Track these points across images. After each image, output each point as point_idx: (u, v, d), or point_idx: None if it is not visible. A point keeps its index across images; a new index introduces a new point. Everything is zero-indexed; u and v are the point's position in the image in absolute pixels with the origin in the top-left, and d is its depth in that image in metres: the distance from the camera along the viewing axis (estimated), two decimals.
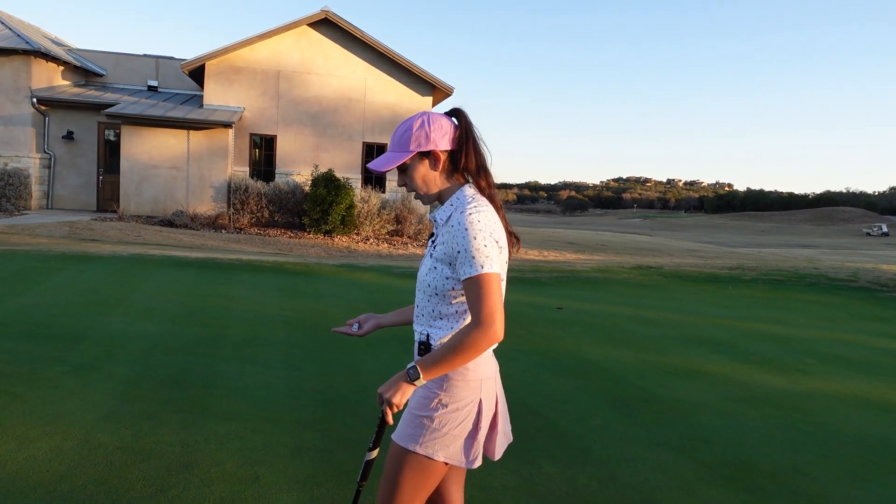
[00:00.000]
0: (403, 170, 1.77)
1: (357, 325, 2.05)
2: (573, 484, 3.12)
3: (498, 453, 1.81)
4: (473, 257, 1.60)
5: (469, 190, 1.74)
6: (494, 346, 1.74)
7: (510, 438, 1.89)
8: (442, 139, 1.73)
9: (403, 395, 1.64)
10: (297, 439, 3.43)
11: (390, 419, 1.68)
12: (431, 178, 1.76)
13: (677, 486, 3.17)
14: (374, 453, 1.78)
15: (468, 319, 1.71)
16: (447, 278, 1.69)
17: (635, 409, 4.35)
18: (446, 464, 1.71)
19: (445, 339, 1.72)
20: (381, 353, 5.40)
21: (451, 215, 1.70)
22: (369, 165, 1.74)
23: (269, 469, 3.06)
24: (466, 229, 1.62)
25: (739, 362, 5.87)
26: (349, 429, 3.63)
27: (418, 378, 1.62)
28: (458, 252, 1.63)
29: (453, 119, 1.79)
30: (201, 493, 2.77)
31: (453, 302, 1.71)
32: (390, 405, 1.65)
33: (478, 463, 1.74)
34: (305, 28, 18.20)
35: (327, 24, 18.20)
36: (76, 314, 6.00)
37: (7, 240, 11.37)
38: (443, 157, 1.74)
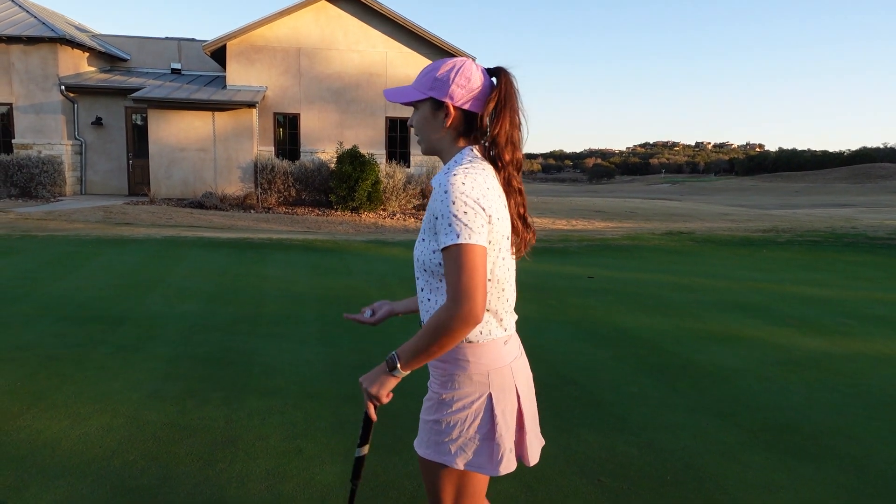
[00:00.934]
0: (416, 108, 1.59)
1: (370, 312, 1.90)
2: (613, 451, 3.13)
3: (533, 457, 1.61)
4: (450, 224, 1.38)
5: (470, 153, 1.53)
6: (506, 334, 1.55)
7: (542, 441, 1.69)
8: (464, 96, 1.51)
9: (383, 386, 1.47)
10: (337, 413, 3.49)
11: (373, 414, 1.53)
12: (434, 131, 1.56)
13: (718, 452, 3.15)
14: (364, 449, 1.65)
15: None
16: (434, 252, 1.47)
17: (672, 375, 4.32)
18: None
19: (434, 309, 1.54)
20: (414, 327, 5.43)
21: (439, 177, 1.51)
22: (385, 91, 1.60)
23: (311, 442, 3.12)
24: (447, 191, 1.41)
25: (777, 326, 5.78)
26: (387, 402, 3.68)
27: (396, 368, 1.44)
28: (437, 218, 1.42)
29: (493, 78, 1.56)
30: (247, 467, 2.85)
31: (443, 280, 1.48)
32: (371, 398, 1.49)
33: (506, 468, 1.52)
34: (324, 3, 18.05)
35: None
36: (116, 297, 6.16)
37: (45, 226, 11.67)
38: (454, 114, 1.52)
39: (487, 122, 1.54)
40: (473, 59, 16.62)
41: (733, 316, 6.17)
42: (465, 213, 1.39)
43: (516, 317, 1.64)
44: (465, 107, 1.52)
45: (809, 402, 3.86)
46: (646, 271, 8.91)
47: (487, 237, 1.45)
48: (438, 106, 1.54)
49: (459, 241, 1.38)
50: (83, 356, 4.32)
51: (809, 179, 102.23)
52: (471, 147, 1.55)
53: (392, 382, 1.48)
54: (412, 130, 1.59)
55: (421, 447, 1.58)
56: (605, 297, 6.97)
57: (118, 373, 4.02)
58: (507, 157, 1.53)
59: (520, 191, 1.59)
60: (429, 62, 18.46)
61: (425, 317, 1.56)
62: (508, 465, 1.53)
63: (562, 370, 4.32)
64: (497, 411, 1.50)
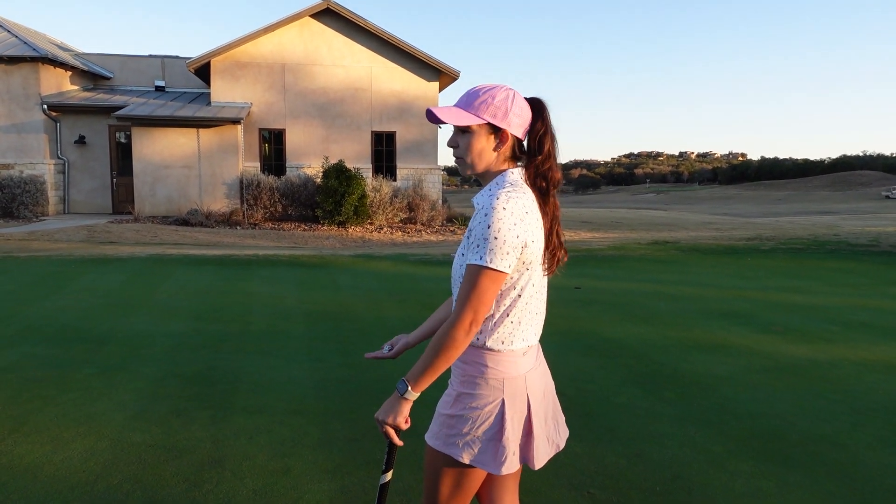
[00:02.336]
0: (463, 131, 1.63)
1: (388, 347, 1.97)
2: (601, 463, 3.13)
3: (539, 461, 1.69)
4: (479, 245, 1.50)
5: (512, 175, 1.62)
6: (532, 344, 1.66)
7: (559, 447, 1.78)
8: (518, 124, 1.62)
9: (399, 413, 1.57)
10: (325, 430, 3.47)
11: (396, 440, 1.61)
12: (488, 155, 1.63)
13: (706, 461, 3.16)
14: (388, 476, 1.71)
15: (490, 313, 1.61)
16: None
17: (660, 385, 4.34)
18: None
19: (485, 331, 1.62)
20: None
21: (482, 198, 1.60)
22: (432, 109, 1.61)
23: (299, 460, 3.10)
24: (487, 214, 1.51)
25: (762, 333, 5.83)
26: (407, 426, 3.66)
27: (407, 390, 1.55)
28: (472, 234, 1.53)
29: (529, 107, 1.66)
30: (234, 487, 2.82)
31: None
32: (390, 427, 1.58)
33: (509, 468, 1.62)
34: (308, 19, 18.13)
35: (329, 14, 18.12)
36: (100, 316, 6.09)
37: (28, 246, 11.54)
38: (510, 141, 1.62)
39: (529, 149, 1.64)
40: (458, 74, 16.60)
41: (719, 324, 6.21)
42: (496, 238, 1.50)
43: (541, 331, 1.73)
44: (517, 135, 1.63)
45: (795, 410, 3.89)
46: (632, 281, 8.97)
47: (517, 260, 1.55)
48: (495, 131, 1.62)
49: (482, 263, 1.50)
50: (66, 377, 4.26)
51: (792, 187, 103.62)
52: (511, 170, 1.64)
53: (406, 406, 1.58)
54: (451, 148, 1.63)
55: (431, 438, 1.67)
56: (592, 307, 7.00)
57: (102, 394, 3.96)
58: (556, 180, 1.64)
59: (559, 209, 1.69)
60: (414, 76, 18.65)
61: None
62: (511, 466, 1.63)
63: None
64: (507, 416, 1.60)
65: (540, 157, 1.63)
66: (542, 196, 1.63)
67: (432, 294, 7.63)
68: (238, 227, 16.03)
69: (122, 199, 18.09)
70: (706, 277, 9.43)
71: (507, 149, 1.64)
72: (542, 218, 1.63)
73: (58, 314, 6.15)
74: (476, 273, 1.50)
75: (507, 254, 1.51)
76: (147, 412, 3.68)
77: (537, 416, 1.68)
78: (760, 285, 8.70)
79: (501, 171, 1.64)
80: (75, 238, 12.97)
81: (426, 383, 1.54)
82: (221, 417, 3.62)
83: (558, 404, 1.84)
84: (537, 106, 1.66)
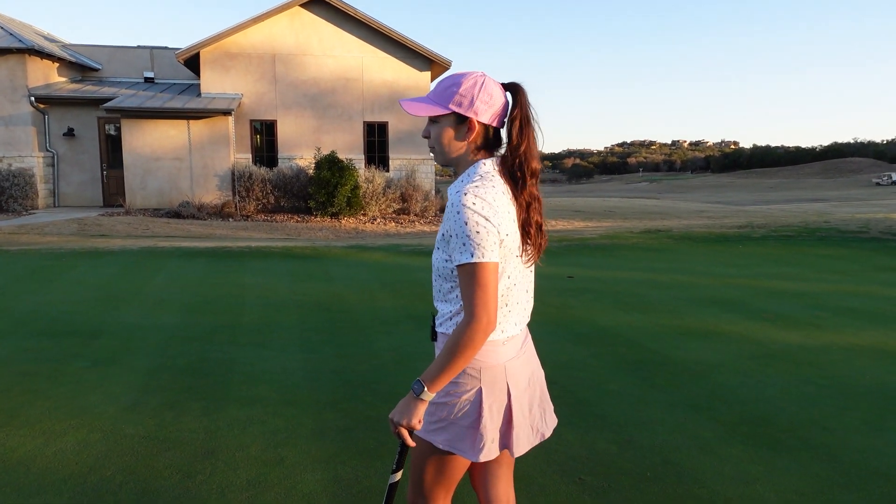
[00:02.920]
0: (433, 121, 1.63)
1: None
2: (592, 449, 3.16)
3: (519, 449, 1.69)
4: (464, 244, 1.49)
5: (484, 167, 1.60)
6: (503, 336, 1.65)
7: (543, 436, 1.79)
8: (486, 111, 1.59)
9: (414, 413, 1.55)
10: (319, 420, 3.48)
11: (409, 441, 1.59)
12: (457, 145, 1.62)
13: (696, 446, 3.20)
14: (398, 476, 1.71)
15: (458, 302, 1.61)
16: (446, 261, 1.60)
17: (651, 372, 4.37)
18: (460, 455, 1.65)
19: (447, 324, 1.63)
20: (396, 331, 5.44)
21: (452, 192, 1.61)
22: (402, 101, 1.63)
23: (292, 451, 3.11)
24: (459, 211, 1.50)
25: (753, 320, 5.87)
26: (369, 407, 3.68)
27: (423, 391, 1.54)
28: (452, 236, 1.52)
29: (507, 94, 1.63)
30: (227, 477, 2.83)
31: (453, 285, 1.61)
32: (406, 428, 1.57)
33: (486, 455, 1.63)
34: (298, 9, 17.99)
35: (319, 4, 17.97)
36: (92, 310, 6.07)
37: (17, 240, 11.46)
38: (477, 128, 1.60)
39: (507, 136, 1.61)
40: (450, 64, 16.57)
41: (710, 311, 6.25)
42: (478, 232, 1.49)
43: (527, 320, 1.73)
44: (487, 122, 1.60)
45: (784, 395, 3.93)
46: (624, 269, 9.01)
47: (498, 251, 1.54)
48: (461, 121, 1.60)
49: (473, 260, 1.49)
50: (58, 371, 4.25)
51: (783, 175, 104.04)
52: (483, 161, 1.61)
53: (422, 407, 1.56)
54: (427, 141, 1.61)
55: (422, 431, 1.68)
56: (585, 295, 7.03)
57: (95, 387, 3.96)
58: (532, 169, 1.61)
59: (539, 199, 1.66)
60: (405, 66, 18.56)
61: (436, 314, 1.69)
62: (489, 453, 1.64)
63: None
64: (485, 405, 1.61)
65: (513, 145, 1.60)
66: (517, 186, 1.60)
67: (425, 284, 7.64)
68: (230, 219, 15.97)
69: (113, 192, 17.98)
70: (698, 265, 9.48)
71: (476, 137, 1.61)
72: (516, 209, 1.60)
73: (49, 308, 6.12)
74: (473, 271, 1.49)
75: (494, 243, 1.51)
76: (139, 404, 3.68)
77: (518, 405, 1.67)
78: (751, 272, 8.75)
79: (474, 162, 1.62)
80: (66, 231, 12.89)
81: (442, 384, 1.53)
82: (214, 409, 3.62)
83: (546, 393, 1.85)
84: (514, 91, 1.62)
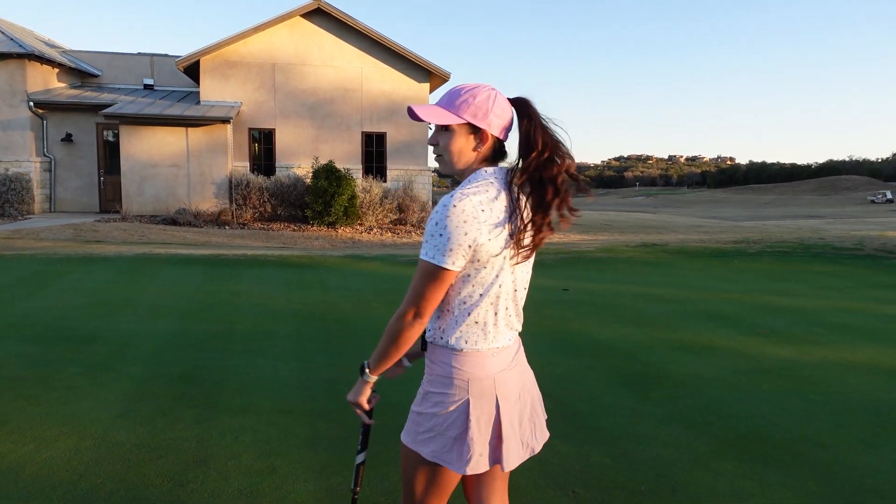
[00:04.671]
0: (444, 130, 1.62)
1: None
2: (587, 462, 3.15)
3: (509, 463, 1.65)
4: (426, 240, 1.53)
5: (483, 174, 1.60)
6: (493, 347, 1.62)
7: (534, 450, 1.75)
8: (497, 125, 1.61)
9: (358, 392, 1.66)
10: (312, 430, 3.46)
11: (365, 419, 1.70)
12: (467, 155, 1.63)
13: (690, 461, 3.19)
14: (362, 456, 1.80)
15: (440, 308, 1.63)
16: None
17: (646, 386, 4.37)
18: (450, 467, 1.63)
19: (431, 331, 1.66)
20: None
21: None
22: (413, 106, 1.61)
23: (285, 460, 3.09)
24: (438, 211, 1.52)
25: (748, 335, 5.88)
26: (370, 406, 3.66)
27: (365, 372, 1.65)
28: (426, 231, 1.55)
29: (512, 108, 1.64)
30: (219, 487, 2.81)
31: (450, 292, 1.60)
32: (354, 406, 1.68)
33: (474, 468, 1.60)
34: (298, 19, 18.08)
35: (320, 14, 18.08)
36: (86, 316, 6.04)
37: (12, 244, 11.42)
38: (489, 140, 1.61)
39: (527, 146, 1.59)
40: (448, 76, 16.63)
41: (706, 326, 6.26)
42: (441, 234, 1.51)
43: (518, 330, 1.73)
44: (497, 135, 1.62)
45: (779, 410, 3.93)
46: (620, 283, 9.01)
47: (465, 259, 1.53)
48: (474, 131, 1.61)
49: (425, 258, 1.54)
50: (50, 377, 4.22)
51: (779, 191, 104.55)
52: (485, 169, 1.62)
53: (366, 387, 1.67)
54: (432, 146, 1.59)
55: (404, 435, 1.70)
56: (580, 308, 7.03)
57: (87, 393, 3.93)
58: (552, 174, 1.58)
59: (566, 191, 1.61)
60: (404, 77, 18.64)
61: (427, 327, 1.70)
62: (476, 466, 1.62)
63: (537, 382, 4.33)
64: (472, 417, 1.59)
65: (535, 153, 1.58)
66: (540, 190, 1.58)
67: None
68: (227, 227, 15.95)
69: (110, 198, 17.94)
70: (693, 280, 9.50)
71: (486, 149, 1.62)
72: (516, 213, 1.57)
73: (42, 313, 6.09)
74: (421, 267, 1.54)
75: (452, 251, 1.51)
76: (132, 412, 3.65)
77: (507, 418, 1.64)
78: (747, 288, 8.77)
79: (476, 171, 1.63)
80: (61, 237, 12.85)
81: (380, 368, 1.63)
82: (207, 417, 3.60)
83: (539, 407, 1.82)
84: (522, 105, 1.63)
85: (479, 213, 1.52)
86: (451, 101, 1.62)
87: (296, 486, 2.83)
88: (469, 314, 1.60)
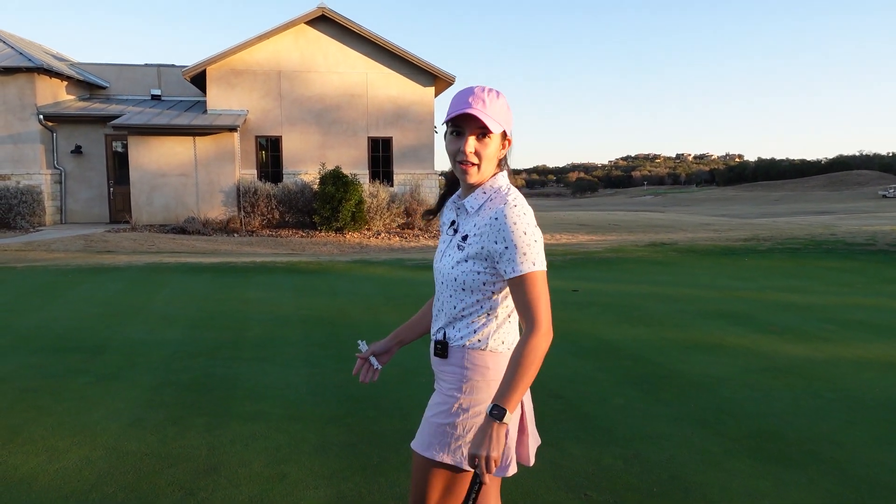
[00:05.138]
0: (483, 136, 1.59)
1: (373, 359, 1.91)
2: (599, 464, 3.12)
3: (531, 458, 1.71)
4: (525, 254, 1.52)
5: (504, 179, 1.65)
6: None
7: (538, 440, 1.80)
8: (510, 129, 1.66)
9: (501, 440, 1.47)
10: (322, 436, 3.46)
11: (487, 480, 1.50)
12: (495, 161, 1.64)
13: (703, 461, 3.16)
14: None
15: (483, 313, 1.61)
16: (478, 273, 1.59)
17: (657, 386, 4.33)
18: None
19: (468, 337, 1.62)
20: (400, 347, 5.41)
21: (483, 204, 1.61)
22: (474, 112, 1.54)
23: (295, 467, 3.08)
24: (515, 223, 1.52)
25: (759, 333, 5.83)
26: (372, 422, 3.65)
27: (505, 413, 1.47)
28: (506, 248, 1.52)
29: None
30: (230, 494, 2.81)
31: (480, 298, 1.61)
32: (492, 462, 1.47)
33: (511, 470, 1.62)
34: (303, 27, 18.17)
35: (325, 21, 18.16)
36: (96, 326, 6.08)
37: (24, 256, 11.52)
38: (509, 145, 1.66)
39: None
40: (453, 80, 16.66)
41: (716, 324, 6.21)
42: (536, 241, 1.54)
43: None
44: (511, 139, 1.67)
45: (792, 409, 3.89)
46: (629, 283, 8.97)
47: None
48: (503, 137, 1.64)
49: (536, 269, 1.53)
50: (62, 387, 4.24)
51: (789, 188, 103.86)
52: (502, 174, 1.66)
53: (503, 431, 1.49)
54: (470, 156, 1.59)
55: (427, 449, 1.63)
56: (590, 309, 6.99)
57: (98, 403, 3.95)
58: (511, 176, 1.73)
59: None
60: (409, 82, 18.67)
61: (449, 328, 1.65)
62: (514, 467, 1.63)
63: (547, 384, 4.32)
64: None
65: (507, 160, 1.70)
66: None
67: (429, 299, 7.62)
68: (235, 235, 16.02)
69: (120, 209, 18.08)
70: (703, 278, 9.44)
71: (503, 154, 1.67)
72: None
73: (54, 324, 6.13)
74: (532, 281, 1.52)
75: (542, 251, 1.57)
76: (143, 420, 3.67)
77: (528, 415, 1.70)
78: (758, 285, 8.70)
79: (493, 175, 1.66)
80: (72, 248, 12.96)
81: (518, 402, 1.50)
82: (217, 424, 3.61)
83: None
84: None
85: (533, 215, 1.61)
86: (492, 108, 1.58)
87: (306, 492, 2.83)
88: (509, 316, 1.65)
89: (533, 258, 1.52)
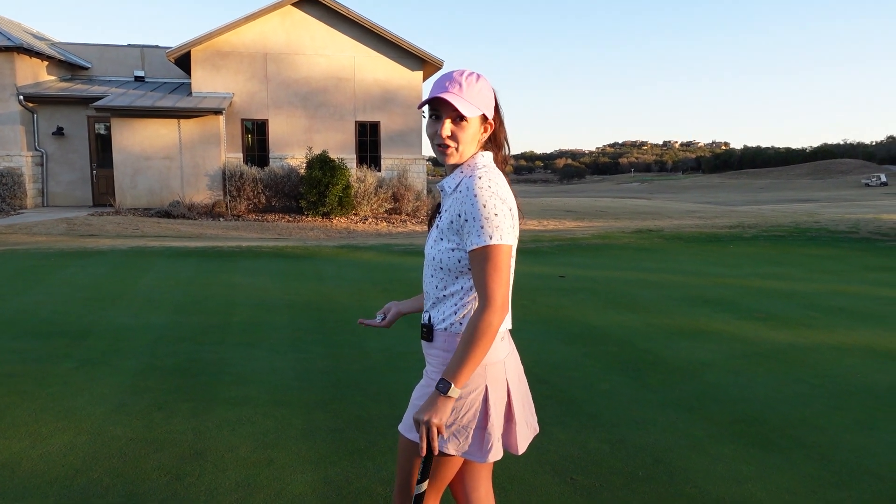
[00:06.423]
0: (461, 119, 1.58)
1: (382, 315, 1.97)
2: (584, 448, 3.15)
3: (521, 447, 1.70)
4: (482, 226, 1.49)
5: (482, 158, 1.64)
6: (508, 328, 1.69)
7: (536, 429, 1.79)
8: (494, 112, 1.66)
9: (444, 411, 1.49)
10: (308, 421, 3.45)
11: (436, 447, 1.52)
12: (474, 143, 1.63)
13: (687, 445, 3.19)
14: (424, 486, 1.61)
15: (463, 294, 1.60)
16: (452, 250, 1.58)
17: (643, 372, 4.37)
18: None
19: (450, 320, 1.61)
20: (387, 332, 5.41)
21: (460, 181, 1.60)
22: (447, 97, 1.54)
23: (282, 452, 3.08)
24: (476, 195, 1.51)
25: (744, 319, 5.89)
26: (359, 407, 3.65)
27: (450, 387, 1.49)
28: (466, 220, 1.52)
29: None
30: (216, 479, 2.80)
31: (459, 277, 1.59)
32: (434, 429, 1.49)
33: (494, 456, 1.62)
34: (290, 8, 17.91)
35: (312, 3, 17.90)
36: (80, 310, 6.01)
37: (5, 239, 11.34)
38: (491, 129, 1.66)
39: (497, 132, 1.69)
40: (442, 64, 16.53)
41: (702, 311, 6.27)
42: (496, 214, 1.51)
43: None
44: (493, 122, 1.67)
45: (776, 394, 3.94)
46: (616, 269, 9.01)
47: (515, 234, 1.60)
48: (483, 120, 1.64)
49: (491, 243, 1.50)
50: (45, 372, 4.20)
51: (774, 176, 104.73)
52: (482, 153, 1.65)
53: (449, 405, 1.51)
54: (446, 139, 1.60)
55: (411, 431, 1.64)
56: (576, 295, 7.02)
57: (82, 388, 3.91)
58: (508, 157, 1.72)
59: (509, 181, 1.72)
60: (397, 65, 18.51)
61: (433, 310, 1.65)
62: (496, 453, 1.63)
63: (533, 369, 4.33)
64: (490, 403, 1.60)
65: (499, 143, 1.70)
66: (504, 173, 1.69)
67: (416, 284, 7.61)
68: (221, 219, 15.88)
69: (103, 192, 17.83)
70: (689, 265, 9.51)
71: (485, 136, 1.66)
72: (514, 196, 1.66)
73: (36, 308, 6.05)
74: (487, 254, 1.50)
75: (510, 227, 1.54)
76: (127, 405, 3.64)
77: (516, 401, 1.69)
78: (742, 272, 8.78)
79: (472, 156, 1.65)
80: (55, 231, 12.77)
81: (466, 377, 1.50)
82: (203, 409, 3.59)
83: (528, 387, 1.85)
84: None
85: (508, 192, 1.60)
86: (468, 92, 1.58)
87: (293, 477, 2.83)
88: None
89: (490, 231, 1.49)
